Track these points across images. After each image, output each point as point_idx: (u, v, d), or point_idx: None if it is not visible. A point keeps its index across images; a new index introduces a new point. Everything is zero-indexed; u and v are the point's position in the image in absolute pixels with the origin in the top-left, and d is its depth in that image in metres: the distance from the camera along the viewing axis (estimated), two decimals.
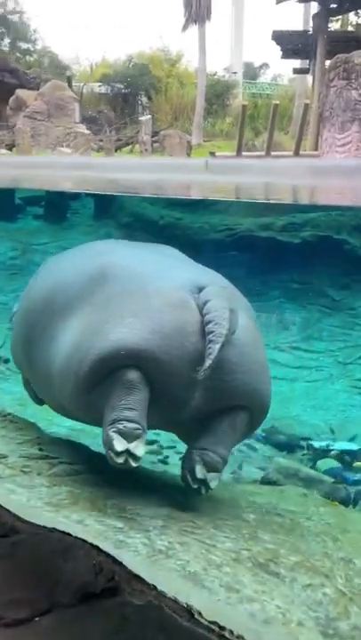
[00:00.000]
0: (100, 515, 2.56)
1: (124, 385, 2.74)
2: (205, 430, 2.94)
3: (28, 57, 31.50)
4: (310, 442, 5.48)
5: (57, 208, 10.08)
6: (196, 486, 2.90)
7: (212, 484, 2.93)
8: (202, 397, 2.81)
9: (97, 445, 4.56)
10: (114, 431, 2.68)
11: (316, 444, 5.38)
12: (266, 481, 4.01)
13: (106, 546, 1.90)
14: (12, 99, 20.49)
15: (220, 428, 2.93)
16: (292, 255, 8.36)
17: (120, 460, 2.66)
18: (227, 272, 8.52)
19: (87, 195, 10.21)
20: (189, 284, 2.88)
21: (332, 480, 4.13)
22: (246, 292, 8.21)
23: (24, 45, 32.00)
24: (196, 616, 1.73)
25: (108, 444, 2.68)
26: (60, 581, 1.71)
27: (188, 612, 1.74)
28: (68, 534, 1.99)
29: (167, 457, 4.93)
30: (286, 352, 7.56)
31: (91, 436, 4.68)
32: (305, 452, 5.32)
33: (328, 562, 2.62)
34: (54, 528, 2.03)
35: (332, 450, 5.25)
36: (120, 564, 1.86)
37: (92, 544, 1.93)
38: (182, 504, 2.87)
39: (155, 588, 1.81)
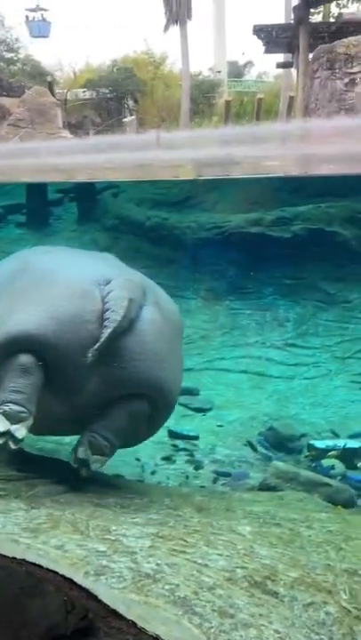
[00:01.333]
0: (82, 538, 2.37)
1: (16, 369, 2.88)
2: (101, 415, 3.05)
3: (11, 66, 31.35)
4: (311, 442, 5.30)
5: (39, 215, 9.90)
6: (76, 465, 3.01)
7: (94, 466, 3.02)
8: (100, 383, 2.94)
9: None
10: None
11: (317, 444, 5.20)
12: (264, 487, 3.83)
13: (79, 579, 1.71)
14: None
15: (114, 414, 3.05)
16: (283, 250, 8.19)
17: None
18: (217, 270, 8.31)
19: (70, 200, 10.03)
20: (98, 278, 3.08)
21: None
22: (238, 289, 8.04)
23: (7, 55, 31.86)
24: None
25: None
26: (25, 624, 1.52)
27: None
28: (39, 566, 1.80)
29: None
30: (282, 349, 7.38)
31: None
32: (306, 453, 5.13)
33: (331, 575, 2.43)
34: (24, 560, 1.83)
35: (334, 449, 5.06)
36: (95, 598, 1.67)
37: (64, 576, 1.74)
38: (173, 521, 2.69)
39: (134, 624, 1.62)
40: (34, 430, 3.39)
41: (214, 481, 4.44)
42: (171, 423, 5.68)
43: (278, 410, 6.24)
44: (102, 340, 2.83)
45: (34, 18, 29.40)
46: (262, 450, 5.20)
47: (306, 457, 5.10)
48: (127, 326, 2.93)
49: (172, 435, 5.42)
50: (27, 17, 29.51)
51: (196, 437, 5.40)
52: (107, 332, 2.84)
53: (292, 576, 2.35)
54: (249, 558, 2.46)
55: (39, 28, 29.08)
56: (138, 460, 4.76)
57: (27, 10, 29.32)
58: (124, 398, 3.02)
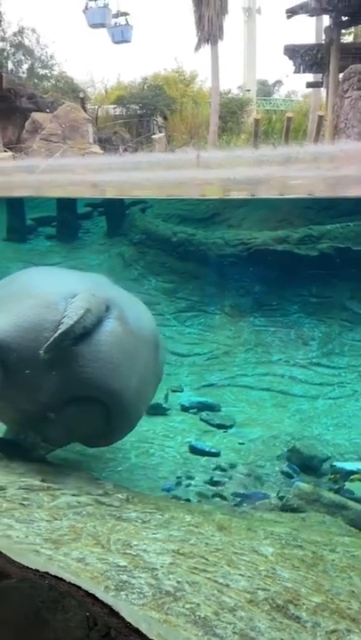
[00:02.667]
0: (103, 552, 2.36)
1: None
2: (58, 411, 3.42)
3: (45, 82, 32.07)
4: (335, 463, 5.20)
5: (68, 228, 10.04)
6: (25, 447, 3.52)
7: (41, 452, 3.50)
8: (56, 383, 3.29)
9: (107, 471, 4.39)
10: None
11: (341, 466, 5.10)
12: (286, 507, 3.76)
13: (102, 595, 1.70)
14: (27, 122, 20.79)
15: (66, 412, 3.41)
16: (310, 268, 8.14)
17: None
18: (242, 286, 8.29)
19: (99, 213, 10.16)
20: (66, 293, 3.44)
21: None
22: (263, 306, 7.99)
23: (41, 71, 32.63)
24: None
25: None
26: (47, 639, 1.51)
27: None
28: (62, 579, 1.79)
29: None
30: (306, 368, 7.29)
31: (102, 462, 4.51)
32: (330, 475, 5.03)
33: (355, 602, 2.37)
34: (47, 572, 1.83)
35: (359, 471, 4.96)
36: (117, 614, 1.65)
37: (86, 591, 1.72)
38: (194, 538, 2.66)
39: None
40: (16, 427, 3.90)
41: (237, 502, 4.38)
42: (192, 439, 5.67)
43: (301, 429, 6.14)
44: (51, 339, 3.16)
45: (115, 23, 28.60)
46: (288, 470, 5.11)
47: (330, 479, 5.00)
48: (80, 332, 3.25)
49: (193, 450, 5.38)
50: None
51: (218, 454, 5.35)
52: (56, 334, 3.17)
53: (315, 601, 2.29)
54: (271, 580, 2.41)
55: (122, 34, 28.32)
56: (179, 477, 4.73)
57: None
58: (78, 400, 3.38)
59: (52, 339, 3.16)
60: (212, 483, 4.65)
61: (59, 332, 3.18)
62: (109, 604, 1.70)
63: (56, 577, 1.81)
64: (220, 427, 6.07)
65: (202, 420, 6.19)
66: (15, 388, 3.32)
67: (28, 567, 1.87)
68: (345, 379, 7.02)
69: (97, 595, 1.73)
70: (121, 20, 28.38)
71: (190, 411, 6.39)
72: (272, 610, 2.20)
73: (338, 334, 7.60)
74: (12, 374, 3.26)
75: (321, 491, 3.98)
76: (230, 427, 6.11)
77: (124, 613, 1.68)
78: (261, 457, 5.39)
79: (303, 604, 2.27)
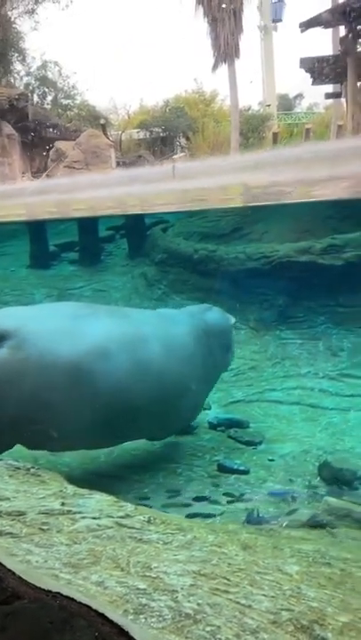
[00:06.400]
0: (123, 575, 2.33)
1: None
2: None
3: (68, 112, 32.94)
4: None
5: (91, 252, 10.17)
6: None
7: None
8: None
9: (133, 492, 4.36)
10: None
11: None
12: (315, 523, 3.65)
13: (111, 614, 1.67)
14: (52, 151, 21.42)
15: None
16: (335, 278, 8.03)
17: None
18: (266, 300, 8.19)
19: (121, 236, 10.29)
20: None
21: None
22: (289, 319, 7.86)
23: (65, 101, 33.56)
24: None
25: None
26: None
27: None
28: (73, 600, 1.77)
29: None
30: (336, 380, 7.15)
31: (127, 483, 4.50)
32: None
33: None
34: (59, 593, 1.82)
35: None
36: (127, 634, 1.62)
37: (97, 611, 1.70)
38: (216, 558, 2.60)
39: None
40: None
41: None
42: (220, 457, 5.60)
43: (333, 443, 6.00)
44: None
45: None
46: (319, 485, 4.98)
47: None
48: None
49: (222, 469, 5.31)
50: None
51: (247, 471, 5.26)
52: None
53: (342, 620, 2.20)
54: (296, 600, 2.33)
55: (275, 12, 27.59)
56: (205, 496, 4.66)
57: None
58: None
59: None
60: (237, 500, 4.56)
61: None
62: (119, 623, 1.67)
63: (67, 597, 1.80)
64: (248, 443, 5.98)
65: (230, 437, 6.11)
66: None
67: (40, 588, 1.86)
68: None
69: (107, 614, 1.70)
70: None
71: (218, 428, 6.32)
72: (296, 631, 2.13)
73: None
74: None
75: (352, 505, 3.86)
76: (259, 443, 6.01)
77: (134, 634, 1.65)
78: (292, 473, 5.27)
79: (329, 623, 2.19)
